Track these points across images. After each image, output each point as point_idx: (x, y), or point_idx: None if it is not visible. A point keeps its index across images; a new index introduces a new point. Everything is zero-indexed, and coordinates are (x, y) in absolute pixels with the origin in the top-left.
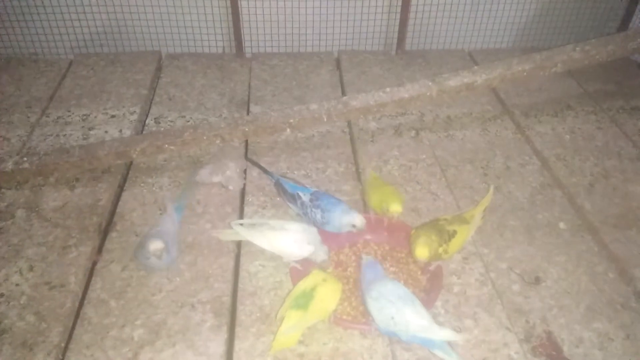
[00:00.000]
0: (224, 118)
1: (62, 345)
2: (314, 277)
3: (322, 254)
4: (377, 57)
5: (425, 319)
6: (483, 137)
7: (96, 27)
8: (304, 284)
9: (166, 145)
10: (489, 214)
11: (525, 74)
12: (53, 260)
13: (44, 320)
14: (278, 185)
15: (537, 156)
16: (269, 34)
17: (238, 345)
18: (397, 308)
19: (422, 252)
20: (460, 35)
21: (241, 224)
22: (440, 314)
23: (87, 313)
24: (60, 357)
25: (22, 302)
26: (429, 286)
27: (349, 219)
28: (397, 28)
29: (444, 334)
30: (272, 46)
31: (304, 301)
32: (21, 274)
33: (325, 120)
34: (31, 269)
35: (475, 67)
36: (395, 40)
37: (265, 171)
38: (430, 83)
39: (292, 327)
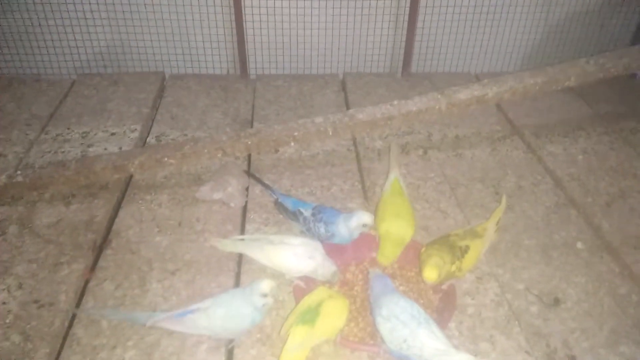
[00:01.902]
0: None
1: None
2: (319, 293)
3: (327, 269)
4: (383, 79)
5: (441, 341)
6: (493, 157)
7: (100, 47)
8: (309, 300)
9: (166, 159)
10: (502, 233)
11: (537, 87)
12: (43, 278)
13: (30, 341)
14: (279, 205)
15: (550, 176)
16: (274, 56)
17: None
18: (411, 329)
19: (430, 274)
20: (466, 58)
21: (242, 239)
22: (455, 337)
23: (76, 333)
24: None
25: (7, 321)
26: (441, 306)
27: (356, 221)
28: (402, 50)
29: (462, 358)
30: (276, 68)
31: (310, 317)
32: (9, 291)
33: (330, 133)
34: (20, 286)
35: (486, 80)
36: (400, 63)
37: (266, 187)
38: (439, 96)
39: (299, 344)
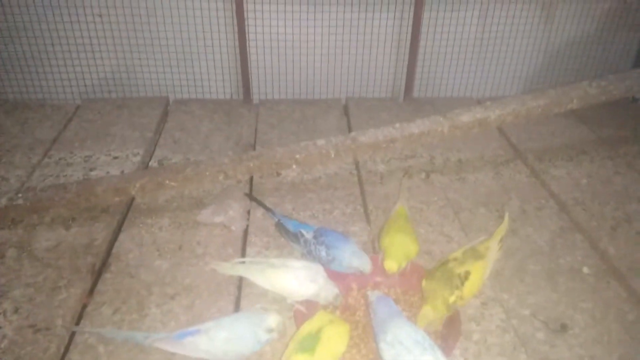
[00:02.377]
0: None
1: None
2: (319, 319)
3: (330, 293)
4: (385, 104)
5: None
6: (496, 181)
7: (105, 73)
8: (309, 326)
9: (167, 181)
10: (506, 258)
11: (540, 110)
12: (40, 302)
13: None
14: (280, 226)
15: (554, 200)
16: (277, 81)
17: None
18: (415, 356)
19: (420, 322)
20: (468, 84)
21: (243, 262)
22: None
23: (72, 359)
24: None
25: (2, 346)
26: (445, 332)
27: (358, 264)
28: (404, 76)
29: None
30: (279, 93)
31: (310, 344)
32: (5, 315)
33: (333, 156)
34: (16, 310)
35: (488, 102)
36: (403, 88)
37: (267, 209)
38: (441, 119)
39: None
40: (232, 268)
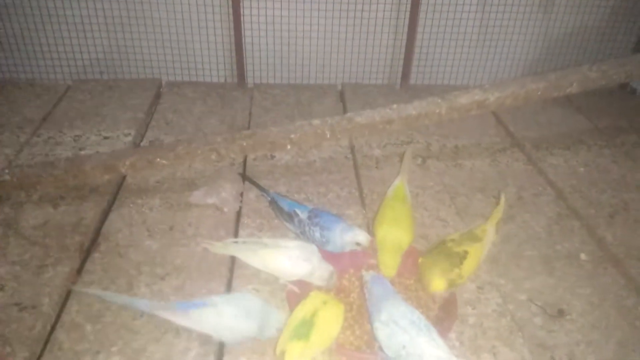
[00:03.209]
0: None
1: None
2: (312, 301)
3: (324, 271)
4: (381, 90)
5: (442, 350)
6: (493, 168)
7: (96, 53)
8: (303, 310)
9: (158, 159)
10: (503, 244)
11: (539, 93)
12: (26, 280)
13: (9, 344)
14: (273, 204)
15: (552, 187)
16: (272, 65)
17: None
18: (410, 336)
19: (439, 284)
20: (466, 71)
21: (235, 242)
22: (455, 347)
23: (58, 337)
24: None
25: None
26: (441, 315)
27: (351, 237)
28: (402, 62)
29: None
30: (274, 77)
31: (305, 330)
32: None
33: (328, 136)
34: (2, 288)
35: (487, 85)
36: (399, 74)
37: (260, 189)
38: (439, 100)
39: None
40: (225, 248)
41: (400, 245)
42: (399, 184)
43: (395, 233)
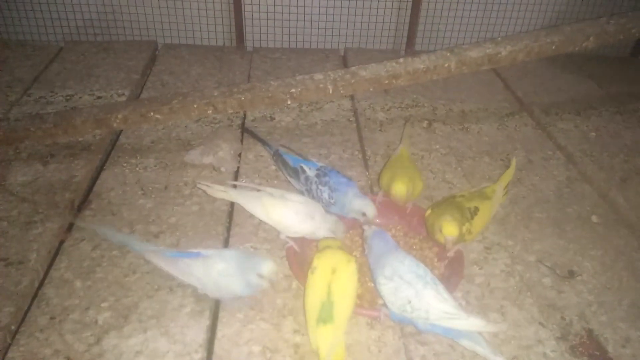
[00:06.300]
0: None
1: (13, 327)
2: (322, 274)
3: (329, 222)
4: (385, 56)
5: (449, 304)
6: (501, 132)
7: (90, 14)
8: (317, 292)
9: (151, 114)
10: (511, 206)
11: (554, 47)
12: (13, 236)
13: None
14: (277, 157)
15: (561, 151)
16: (272, 28)
17: (221, 331)
18: (416, 290)
19: (451, 229)
20: (472, 37)
21: (235, 186)
22: (461, 306)
23: (46, 293)
24: (9, 340)
25: None
26: (447, 273)
27: (361, 206)
28: (406, 27)
29: (474, 323)
30: (275, 41)
31: (327, 313)
32: None
33: (331, 92)
34: None
35: (499, 37)
36: (404, 40)
37: (263, 142)
38: (448, 54)
39: (331, 347)
40: (225, 192)
41: (413, 178)
42: (402, 150)
43: (406, 171)
